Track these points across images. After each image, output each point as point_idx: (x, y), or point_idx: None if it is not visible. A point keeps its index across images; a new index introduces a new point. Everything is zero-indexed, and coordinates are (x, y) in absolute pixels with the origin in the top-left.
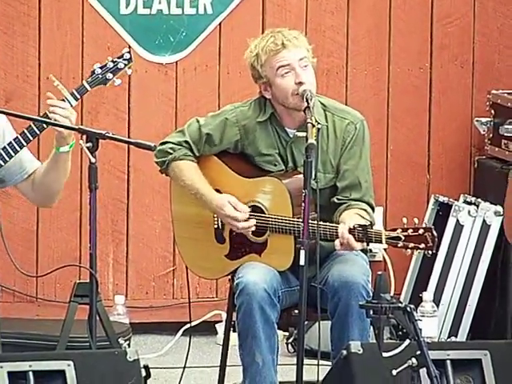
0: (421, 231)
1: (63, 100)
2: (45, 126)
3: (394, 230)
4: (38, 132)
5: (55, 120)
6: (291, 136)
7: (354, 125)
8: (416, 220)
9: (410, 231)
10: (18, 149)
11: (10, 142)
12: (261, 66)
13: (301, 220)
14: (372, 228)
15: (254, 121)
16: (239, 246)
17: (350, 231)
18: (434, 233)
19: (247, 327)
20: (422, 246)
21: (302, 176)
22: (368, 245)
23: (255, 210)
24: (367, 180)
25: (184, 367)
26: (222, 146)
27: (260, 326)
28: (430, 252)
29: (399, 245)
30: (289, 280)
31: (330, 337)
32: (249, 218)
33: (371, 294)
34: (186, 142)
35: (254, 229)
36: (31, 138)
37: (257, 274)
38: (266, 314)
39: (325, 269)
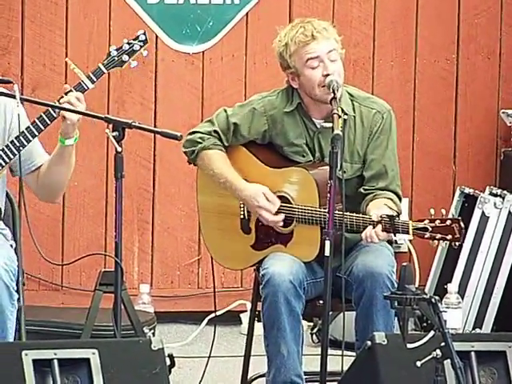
0: (448, 222)
1: (80, 83)
2: (54, 115)
3: (421, 220)
4: (48, 122)
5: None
6: (318, 127)
7: (381, 114)
8: (443, 211)
9: (437, 222)
10: (31, 138)
11: (23, 132)
12: (289, 56)
13: (327, 210)
14: (399, 218)
15: (282, 111)
16: (265, 236)
17: (378, 221)
18: (462, 224)
19: (272, 319)
20: (449, 237)
21: (328, 167)
22: (395, 235)
23: (282, 200)
24: (394, 169)
25: (209, 357)
26: (250, 137)
27: (285, 317)
28: (457, 243)
29: (426, 235)
30: (314, 271)
31: (355, 327)
32: (277, 212)
33: (396, 285)
34: (215, 131)
35: (281, 223)
36: (43, 128)
37: (283, 266)
38: (291, 306)
39: (350, 259)
